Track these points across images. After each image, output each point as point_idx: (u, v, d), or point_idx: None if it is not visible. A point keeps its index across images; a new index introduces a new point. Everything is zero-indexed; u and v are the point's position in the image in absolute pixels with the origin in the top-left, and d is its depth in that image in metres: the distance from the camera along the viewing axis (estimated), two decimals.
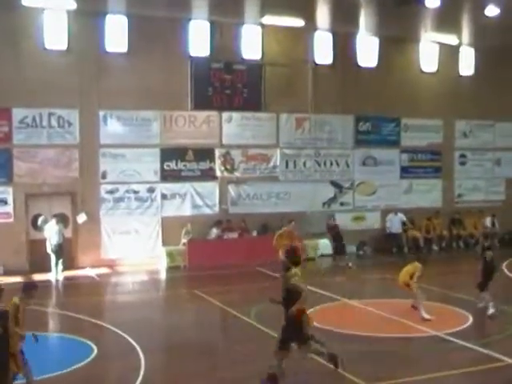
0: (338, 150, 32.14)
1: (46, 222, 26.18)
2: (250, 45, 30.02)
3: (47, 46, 27.07)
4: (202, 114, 29.69)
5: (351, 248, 31.45)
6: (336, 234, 29.37)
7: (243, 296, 21.99)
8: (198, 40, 29.10)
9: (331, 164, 31.97)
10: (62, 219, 27.05)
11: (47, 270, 25.39)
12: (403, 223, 31.49)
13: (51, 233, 25.78)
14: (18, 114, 26.92)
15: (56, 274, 25.31)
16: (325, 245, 30.71)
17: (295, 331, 12.77)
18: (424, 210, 33.14)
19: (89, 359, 14.93)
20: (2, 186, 26.80)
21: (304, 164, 31.43)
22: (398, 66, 32.77)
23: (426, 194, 34.06)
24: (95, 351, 15.51)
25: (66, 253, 26.20)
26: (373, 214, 32.62)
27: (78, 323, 18.43)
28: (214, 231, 28.89)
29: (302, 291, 12.70)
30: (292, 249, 14.53)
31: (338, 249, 29.17)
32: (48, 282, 24.84)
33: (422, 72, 33.54)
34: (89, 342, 16.12)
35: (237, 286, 23.58)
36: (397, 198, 33.11)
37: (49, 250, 25.53)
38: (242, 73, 30.28)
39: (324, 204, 31.82)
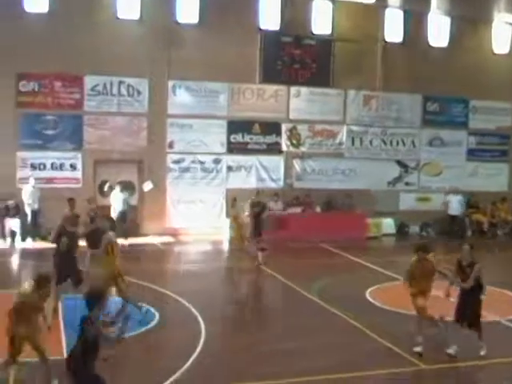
0: (405, 130, 31.85)
1: (112, 188, 26.68)
2: (321, 20, 29.87)
3: (120, 16, 27.41)
4: (270, 88, 29.75)
5: (414, 229, 31.30)
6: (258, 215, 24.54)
7: (305, 271, 22.08)
8: (269, 13, 29.10)
9: (397, 143, 31.71)
10: (127, 187, 27.55)
11: None
12: (465, 205, 31.03)
13: (115, 200, 26.27)
14: (89, 81, 27.45)
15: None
16: (388, 224, 30.61)
17: None
18: (489, 193, 32.61)
19: (151, 325, 15.25)
20: (72, 151, 27.42)
21: (370, 142, 31.24)
22: (469, 46, 32.15)
23: (492, 178, 33.45)
24: (157, 318, 15.81)
25: (131, 220, 26.59)
26: (437, 195, 32.24)
27: (141, 290, 18.74)
28: (272, 204, 28.97)
29: None
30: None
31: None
32: None
33: (494, 53, 32.92)
34: (151, 309, 16.41)
35: (299, 261, 23.68)
36: (462, 180, 32.55)
37: (113, 216, 25.99)
38: (312, 48, 30.18)
39: (389, 183, 31.64)
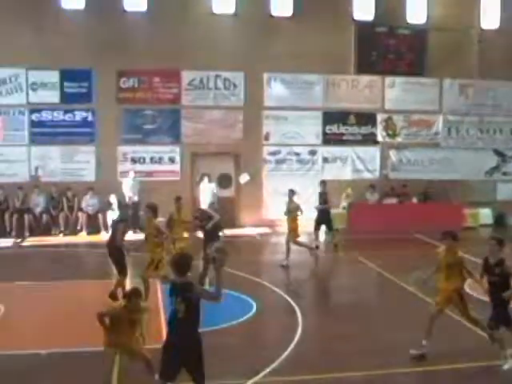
0: (502, 118, 31.25)
1: (201, 179, 27.39)
2: (415, 9, 29.71)
3: (215, 11, 27.92)
4: (364, 79, 29.78)
5: None
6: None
7: (401, 262, 22.03)
8: (363, 4, 29.13)
9: (495, 132, 31.18)
10: (221, 179, 28.36)
11: None
12: None
13: (204, 191, 26.87)
14: (186, 76, 28.12)
15: None
16: (485, 214, 30.16)
17: None
18: None
19: (249, 315, 15.52)
20: (170, 145, 28.19)
21: (467, 131, 30.85)
22: None
23: None
24: (255, 308, 16.10)
25: (229, 212, 26.98)
26: None
27: (239, 280, 19.04)
28: (368, 195, 29.11)
29: None
30: None
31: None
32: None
33: None
34: (249, 299, 16.74)
35: (395, 252, 23.63)
36: None
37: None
38: (406, 37, 30.03)
39: (486, 173, 31.16)
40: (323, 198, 24.26)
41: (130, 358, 10.88)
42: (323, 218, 24.12)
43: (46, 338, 13.85)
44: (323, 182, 24.74)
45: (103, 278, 18.58)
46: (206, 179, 27.30)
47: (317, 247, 23.36)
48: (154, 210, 17.11)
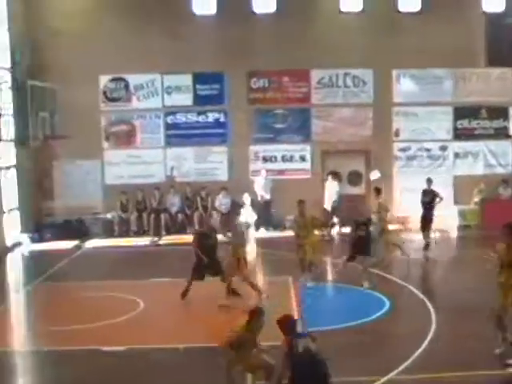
0: None
1: (327, 178, 27.87)
2: None
3: (342, 9, 28.09)
4: (495, 71, 29.20)
5: None
6: None
7: None
8: None
9: None
10: (351, 176, 29.08)
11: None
12: None
13: (328, 190, 27.23)
14: (316, 75, 28.48)
15: (330, 231, 26.28)
16: None
17: None
18: None
19: (382, 312, 15.78)
20: (301, 143, 28.63)
21: None
22: None
23: None
24: (388, 305, 16.31)
25: (360, 209, 27.03)
26: None
27: (373, 278, 19.23)
28: (501, 190, 28.61)
29: None
30: None
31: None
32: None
33: None
34: (382, 297, 16.94)
35: None
36: None
37: (326, 207, 26.84)
38: None
39: None
40: (429, 196, 23.09)
41: (252, 372, 10.94)
42: (427, 218, 23.29)
43: (184, 333, 14.57)
44: (429, 180, 23.75)
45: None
46: (329, 178, 27.59)
47: (427, 244, 22.77)
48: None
